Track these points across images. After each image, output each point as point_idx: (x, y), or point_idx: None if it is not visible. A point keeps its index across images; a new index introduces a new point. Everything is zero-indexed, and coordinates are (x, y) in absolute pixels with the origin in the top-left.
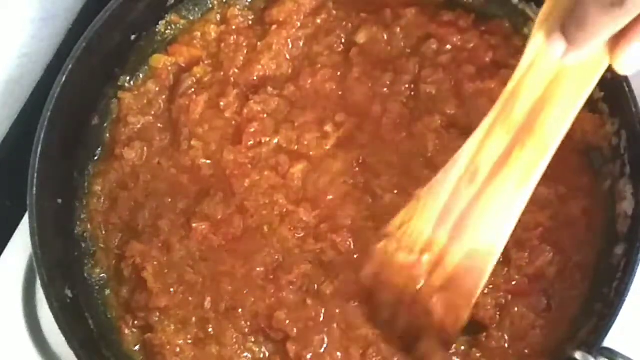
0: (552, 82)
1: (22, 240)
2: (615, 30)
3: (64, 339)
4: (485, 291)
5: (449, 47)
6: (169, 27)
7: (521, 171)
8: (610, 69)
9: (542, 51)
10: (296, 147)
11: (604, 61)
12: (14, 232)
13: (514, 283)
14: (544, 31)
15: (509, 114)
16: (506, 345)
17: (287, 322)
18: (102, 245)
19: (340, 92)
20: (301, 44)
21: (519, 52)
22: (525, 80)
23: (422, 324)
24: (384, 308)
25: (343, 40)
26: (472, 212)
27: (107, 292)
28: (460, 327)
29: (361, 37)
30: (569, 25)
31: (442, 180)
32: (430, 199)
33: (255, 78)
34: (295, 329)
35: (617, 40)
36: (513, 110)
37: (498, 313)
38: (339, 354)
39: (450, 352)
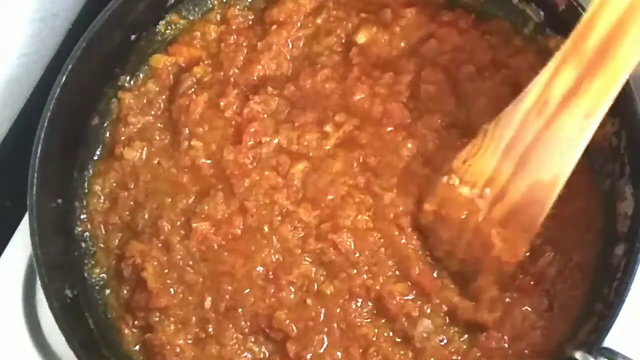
0: (627, 11)
1: (22, 240)
2: None
3: (64, 339)
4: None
5: (449, 47)
6: (169, 27)
7: (591, 101)
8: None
9: None
10: (296, 147)
11: None
12: (14, 232)
13: (517, 282)
14: None
15: (582, 44)
16: (506, 345)
17: (287, 322)
18: (102, 245)
19: (340, 92)
20: (301, 44)
21: (519, 52)
22: (600, 10)
23: (480, 258)
24: (442, 243)
25: (343, 40)
26: (539, 144)
27: (107, 292)
28: (517, 260)
29: (361, 37)
30: None
31: (511, 112)
32: (498, 132)
33: (255, 78)
34: (295, 329)
35: None
36: (586, 41)
37: (499, 313)
38: (339, 353)
39: (450, 352)
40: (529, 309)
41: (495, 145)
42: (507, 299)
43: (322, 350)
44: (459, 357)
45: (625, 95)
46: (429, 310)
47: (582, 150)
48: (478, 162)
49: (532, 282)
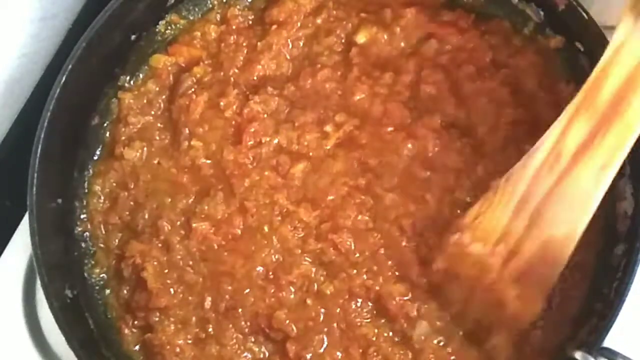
0: (635, 69)
1: (22, 240)
2: None
3: (64, 339)
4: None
5: (449, 47)
6: (169, 27)
7: (606, 153)
8: None
9: (630, 33)
10: (296, 147)
11: None
12: (14, 232)
13: None
14: (634, 13)
15: (594, 98)
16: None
17: (287, 322)
18: (102, 245)
19: (340, 92)
20: (301, 44)
21: (518, 52)
22: (612, 64)
23: (494, 317)
24: (454, 302)
25: (343, 40)
26: (552, 200)
27: (107, 292)
28: (533, 318)
29: (361, 37)
30: None
31: (522, 167)
32: (509, 187)
33: (255, 78)
34: (295, 329)
35: None
36: (598, 94)
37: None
38: (338, 353)
39: (448, 352)
40: None
41: (507, 201)
42: None
43: (322, 350)
44: (458, 357)
45: None
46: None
47: (598, 202)
48: (489, 218)
49: None
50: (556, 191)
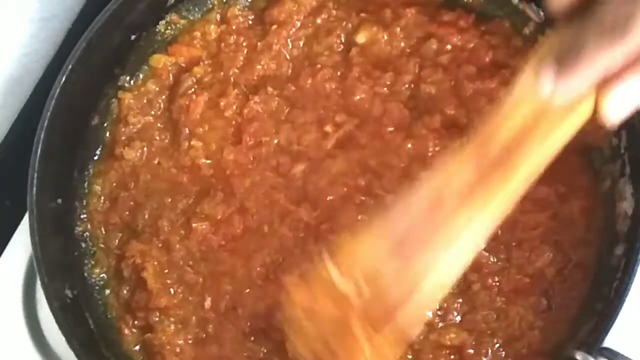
0: (533, 123)
1: (22, 240)
2: (610, 63)
3: (64, 339)
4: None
5: (449, 47)
6: (169, 27)
7: (484, 204)
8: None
9: (531, 87)
10: (296, 147)
11: (589, 107)
12: (14, 232)
13: (514, 283)
14: (536, 67)
15: (484, 148)
16: (503, 346)
17: None
18: (102, 245)
19: (340, 92)
20: (301, 44)
21: (518, 52)
22: (508, 117)
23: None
24: (309, 342)
25: (343, 40)
26: (427, 246)
27: (107, 292)
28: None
29: (361, 37)
30: (564, 54)
31: (399, 210)
32: (385, 228)
33: (255, 78)
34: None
35: (608, 80)
36: (489, 144)
37: (496, 315)
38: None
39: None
40: (527, 309)
41: (381, 241)
42: (502, 299)
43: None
44: (457, 357)
45: None
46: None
47: (471, 258)
48: (362, 256)
49: (529, 282)
50: (433, 238)
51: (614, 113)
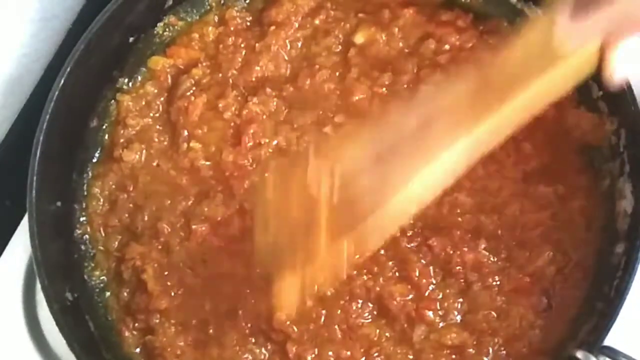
0: (539, 63)
1: (22, 241)
2: (626, 11)
3: (64, 340)
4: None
5: (447, 47)
6: (167, 29)
7: (472, 125)
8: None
9: (543, 28)
10: (296, 148)
11: (594, 58)
12: (14, 232)
13: (514, 282)
14: (551, 11)
15: (485, 75)
16: (503, 346)
17: (288, 323)
18: (101, 248)
19: (339, 93)
20: (299, 44)
21: None
22: (517, 52)
23: (300, 240)
24: (276, 237)
25: (341, 41)
26: (407, 160)
27: (107, 294)
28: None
29: (359, 38)
30: None
31: (390, 122)
32: (373, 135)
33: (253, 79)
34: (295, 330)
35: (615, 36)
36: (491, 73)
37: (496, 314)
38: (340, 354)
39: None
40: (527, 309)
41: (368, 144)
42: (503, 299)
43: (323, 351)
44: (456, 355)
45: (624, 93)
46: (428, 312)
47: (444, 185)
48: (346, 154)
49: (529, 282)
50: (417, 151)
51: (619, 67)
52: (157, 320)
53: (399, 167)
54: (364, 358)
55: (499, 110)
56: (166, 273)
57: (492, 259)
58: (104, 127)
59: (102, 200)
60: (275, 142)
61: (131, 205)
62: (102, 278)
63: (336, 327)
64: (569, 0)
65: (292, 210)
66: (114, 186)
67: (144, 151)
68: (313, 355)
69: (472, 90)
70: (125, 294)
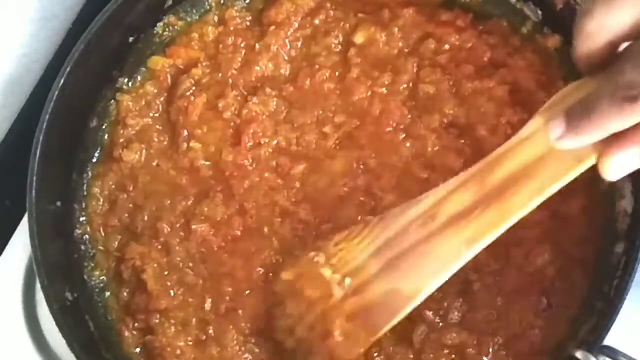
0: (538, 161)
1: (22, 241)
2: (618, 128)
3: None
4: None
5: (447, 47)
6: (167, 29)
7: (477, 230)
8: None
9: (540, 130)
10: (296, 148)
11: (592, 157)
12: (14, 232)
13: (514, 282)
14: (548, 113)
15: (486, 176)
16: (503, 346)
17: None
18: (101, 248)
19: (339, 93)
20: (299, 44)
21: (517, 51)
22: (514, 151)
23: (316, 343)
24: (287, 316)
25: (341, 41)
26: (412, 255)
27: (107, 294)
28: (350, 358)
29: (359, 38)
30: (576, 110)
31: (398, 214)
32: (379, 229)
33: (254, 79)
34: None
35: (611, 142)
36: (491, 174)
37: (496, 314)
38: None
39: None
40: (527, 309)
41: (372, 240)
42: (503, 299)
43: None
44: (458, 357)
45: None
46: (428, 312)
47: (451, 273)
48: (350, 250)
49: (529, 282)
50: (419, 249)
51: (613, 173)
52: (157, 320)
53: (414, 269)
54: (364, 358)
55: (501, 219)
56: (166, 273)
57: (491, 259)
58: (104, 127)
59: (102, 200)
60: (275, 142)
61: (131, 205)
62: (102, 278)
63: None
64: (561, 113)
65: (305, 296)
66: (114, 186)
67: (144, 151)
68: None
69: (471, 195)
70: (125, 294)
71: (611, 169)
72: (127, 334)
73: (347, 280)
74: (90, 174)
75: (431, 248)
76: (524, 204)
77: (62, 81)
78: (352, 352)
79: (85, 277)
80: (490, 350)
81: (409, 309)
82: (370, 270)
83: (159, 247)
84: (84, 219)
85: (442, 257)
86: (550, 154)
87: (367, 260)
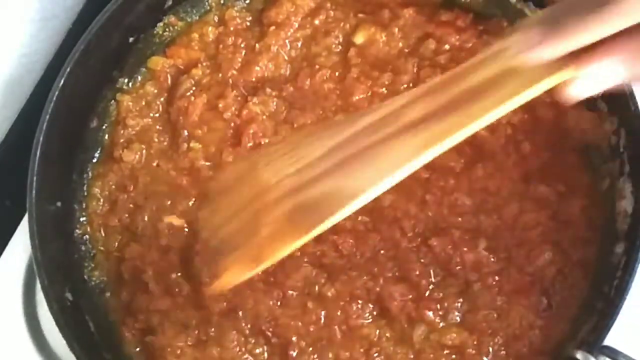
0: (503, 74)
1: (22, 241)
2: (594, 37)
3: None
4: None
5: (447, 47)
6: (167, 29)
7: (431, 135)
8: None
9: (511, 44)
10: None
11: (561, 70)
12: (14, 232)
13: (514, 282)
14: (521, 28)
15: (449, 85)
16: (503, 346)
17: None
18: (101, 248)
19: (339, 93)
20: (299, 44)
21: None
22: (483, 64)
23: (242, 243)
24: (216, 214)
25: (341, 41)
26: (363, 155)
27: (108, 294)
28: (272, 258)
29: (359, 38)
30: (552, 18)
31: (356, 117)
32: (330, 132)
33: (253, 79)
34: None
35: (581, 55)
36: (454, 83)
37: (496, 314)
38: (340, 355)
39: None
40: (527, 309)
41: (327, 137)
42: (503, 299)
43: (323, 352)
44: (458, 357)
45: (623, 93)
46: (428, 312)
47: (402, 176)
48: (297, 152)
49: (529, 282)
50: (371, 150)
51: (580, 89)
52: (157, 321)
53: (352, 169)
54: (364, 358)
55: (460, 122)
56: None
57: (492, 259)
58: (104, 127)
59: (102, 200)
60: None
61: (131, 205)
62: (102, 278)
63: (336, 327)
64: (536, 23)
65: (237, 195)
66: (114, 186)
67: (144, 151)
68: (313, 357)
69: (430, 100)
70: (126, 294)
71: (579, 83)
72: (127, 334)
73: (287, 181)
74: (90, 174)
75: (384, 149)
76: (485, 110)
77: (62, 81)
78: (274, 252)
79: (85, 277)
80: (490, 350)
81: (345, 210)
82: (315, 170)
83: (159, 247)
84: (84, 219)
85: (395, 158)
86: (518, 68)
87: (315, 160)
